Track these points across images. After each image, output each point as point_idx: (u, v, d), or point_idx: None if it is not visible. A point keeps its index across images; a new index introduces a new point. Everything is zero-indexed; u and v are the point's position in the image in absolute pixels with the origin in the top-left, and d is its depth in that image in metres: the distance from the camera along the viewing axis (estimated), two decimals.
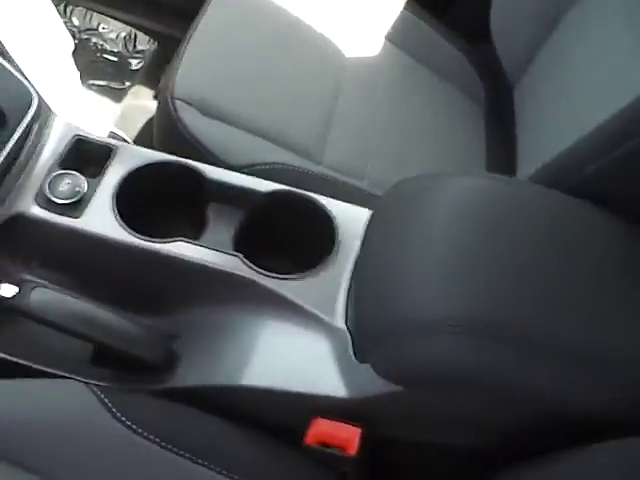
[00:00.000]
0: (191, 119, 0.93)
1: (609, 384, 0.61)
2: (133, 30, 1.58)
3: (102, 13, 1.54)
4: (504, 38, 1.18)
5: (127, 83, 1.56)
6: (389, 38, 1.20)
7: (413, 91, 1.19)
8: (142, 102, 1.46)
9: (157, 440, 0.61)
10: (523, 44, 1.14)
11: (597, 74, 0.92)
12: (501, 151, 1.15)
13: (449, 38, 1.27)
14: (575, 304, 0.62)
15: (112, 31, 1.59)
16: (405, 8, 1.25)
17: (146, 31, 1.55)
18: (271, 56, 1.06)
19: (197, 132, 0.92)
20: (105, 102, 1.50)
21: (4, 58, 0.78)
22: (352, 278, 0.70)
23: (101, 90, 1.52)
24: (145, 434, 0.61)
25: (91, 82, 1.51)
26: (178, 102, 0.94)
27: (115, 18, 1.54)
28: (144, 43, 1.60)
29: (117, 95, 1.53)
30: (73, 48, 1.42)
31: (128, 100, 1.51)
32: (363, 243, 0.71)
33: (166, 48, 1.22)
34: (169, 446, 0.61)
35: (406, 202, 0.70)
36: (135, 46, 1.60)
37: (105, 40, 1.59)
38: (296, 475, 0.67)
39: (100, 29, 1.58)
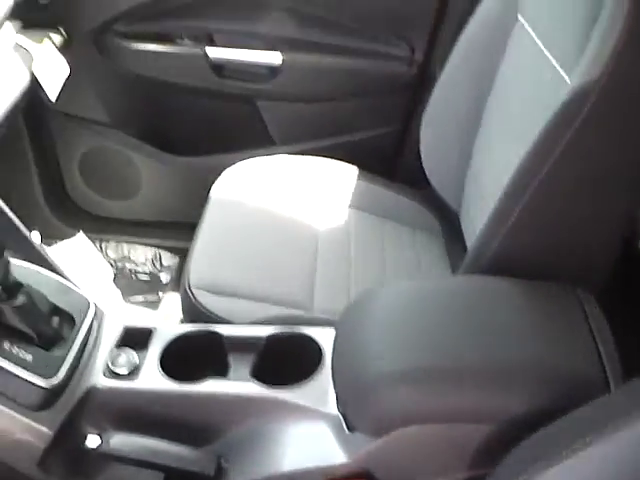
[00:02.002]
0: (205, 300, 1.24)
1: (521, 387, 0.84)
2: (158, 251, 1.93)
3: (130, 242, 1.92)
4: (437, 176, 1.48)
5: (160, 294, 1.89)
6: (352, 205, 1.52)
7: (381, 240, 1.48)
8: (174, 307, 1.78)
9: None
10: (452, 176, 1.42)
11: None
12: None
13: (400, 191, 1.58)
14: (478, 343, 0.88)
15: (141, 255, 1.94)
16: (358, 178, 1.58)
17: (168, 249, 1.92)
18: (260, 239, 1.38)
19: (211, 308, 1.23)
20: (145, 312, 1.82)
21: (66, 279, 1.09)
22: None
23: (140, 304, 1.85)
24: None
25: (131, 299, 1.84)
26: (194, 289, 1.25)
27: (141, 244, 1.91)
28: (168, 259, 1.95)
29: (154, 306, 1.85)
30: (113, 276, 1.78)
31: (163, 307, 1.84)
32: (334, 346, 0.97)
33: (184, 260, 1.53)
34: None
35: (356, 310, 0.97)
36: (162, 263, 1.94)
37: (137, 264, 1.93)
38: None
39: (131, 256, 1.94)
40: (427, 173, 1.48)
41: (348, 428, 0.91)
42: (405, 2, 1.63)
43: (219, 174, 1.53)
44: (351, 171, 1.58)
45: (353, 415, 0.89)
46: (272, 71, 1.70)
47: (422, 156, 1.49)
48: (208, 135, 1.82)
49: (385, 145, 1.79)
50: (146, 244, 1.92)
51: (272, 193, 1.49)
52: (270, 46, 1.68)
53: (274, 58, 1.68)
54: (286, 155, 1.59)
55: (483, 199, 1.23)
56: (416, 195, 1.59)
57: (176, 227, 1.86)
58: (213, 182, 1.51)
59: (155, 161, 1.85)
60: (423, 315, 0.94)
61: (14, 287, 0.95)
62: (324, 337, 1.04)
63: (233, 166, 1.54)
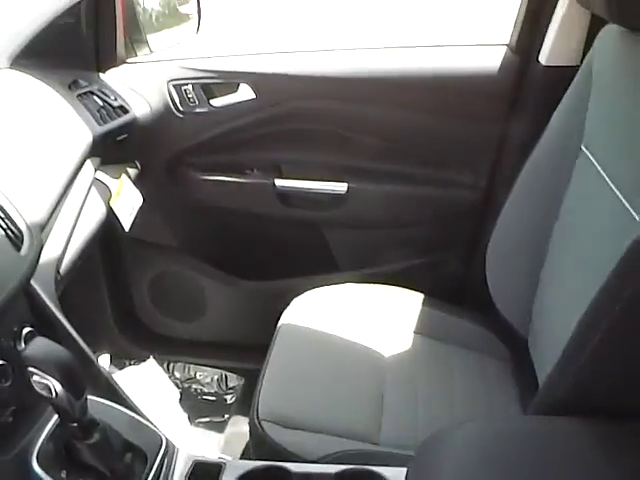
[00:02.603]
0: (274, 432, 1.24)
1: None
2: (223, 372, 1.96)
3: (197, 364, 1.95)
4: (503, 302, 1.47)
5: (226, 416, 1.89)
6: (418, 332, 1.52)
7: (449, 368, 1.47)
8: (240, 428, 1.78)
9: None
10: (519, 302, 1.41)
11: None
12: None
13: (467, 317, 1.58)
14: None
15: (207, 376, 1.97)
16: (424, 304, 1.58)
17: (233, 370, 1.94)
18: (328, 369, 1.39)
19: (280, 441, 1.23)
20: (211, 434, 1.83)
21: (136, 413, 1.11)
22: None
23: (206, 425, 1.86)
24: None
25: (197, 420, 1.85)
26: (263, 422, 1.25)
27: (207, 366, 1.93)
28: (234, 380, 1.97)
29: (219, 427, 1.86)
30: (179, 397, 1.80)
31: (229, 429, 1.84)
32: None
33: (252, 381, 1.50)
34: None
35: (427, 453, 0.96)
36: (227, 384, 1.96)
37: (203, 385, 1.96)
38: None
39: (197, 376, 1.96)
40: (494, 299, 1.48)
41: None
42: (468, 130, 1.68)
43: (284, 298, 1.56)
44: (417, 297, 1.59)
45: None
46: (338, 199, 1.75)
47: (488, 282, 1.49)
48: (274, 260, 1.87)
49: (451, 270, 1.80)
50: (212, 365, 1.95)
51: (339, 322, 1.50)
52: (336, 176, 1.74)
53: (340, 187, 1.73)
54: (352, 284, 1.61)
55: (553, 332, 1.22)
56: (483, 321, 1.58)
57: (242, 349, 1.88)
58: (278, 306, 1.54)
59: (222, 285, 1.90)
60: (496, 461, 0.92)
61: (90, 425, 0.97)
62: (393, 475, 1.03)
63: (302, 295, 1.57)
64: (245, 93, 1.72)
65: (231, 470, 1.08)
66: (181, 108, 1.73)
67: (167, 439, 1.11)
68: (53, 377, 0.89)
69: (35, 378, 0.89)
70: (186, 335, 1.99)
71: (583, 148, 1.29)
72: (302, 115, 1.71)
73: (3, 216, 1.04)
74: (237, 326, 1.95)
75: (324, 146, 1.74)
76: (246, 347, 1.84)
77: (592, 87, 1.27)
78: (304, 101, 1.70)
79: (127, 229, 1.57)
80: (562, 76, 1.40)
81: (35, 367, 0.89)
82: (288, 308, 1.54)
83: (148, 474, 1.02)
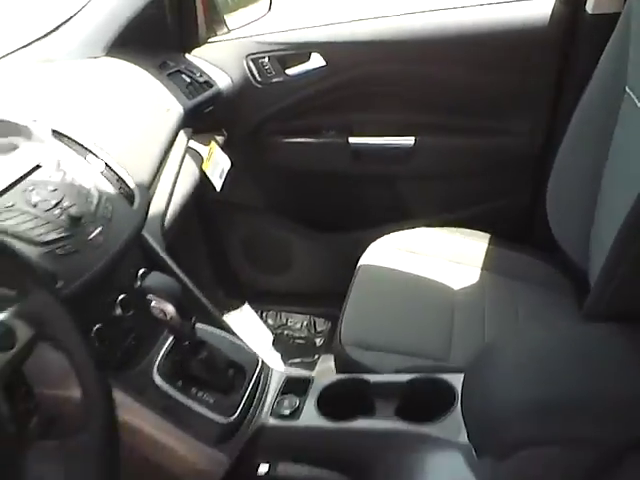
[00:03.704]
0: (355, 353, 1.42)
1: None
2: (312, 317, 2.15)
3: (287, 312, 2.15)
4: (565, 239, 1.55)
5: (315, 356, 2.09)
6: (485, 268, 1.66)
7: (514, 301, 1.60)
8: (328, 365, 1.97)
9: None
10: (579, 238, 1.50)
11: None
12: None
13: (532, 254, 1.71)
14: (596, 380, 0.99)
15: (297, 322, 2.17)
16: (490, 243, 1.72)
17: (321, 315, 2.13)
18: (404, 301, 1.57)
19: (360, 360, 1.41)
20: (302, 372, 2.02)
21: (238, 339, 1.32)
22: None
23: (297, 365, 2.06)
24: None
25: (289, 361, 2.05)
26: (345, 345, 1.44)
27: (297, 312, 2.13)
28: (321, 325, 2.16)
29: (310, 366, 2.06)
30: (272, 341, 2.00)
31: (318, 367, 2.03)
32: (464, 383, 1.12)
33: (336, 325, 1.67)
34: None
35: (485, 352, 1.11)
36: (315, 329, 2.16)
37: (293, 330, 2.16)
38: None
39: (288, 323, 2.16)
40: (555, 236, 1.59)
41: (477, 455, 1.04)
42: (525, 81, 1.80)
43: (361, 247, 1.73)
44: (484, 238, 1.73)
45: (482, 442, 1.02)
46: (406, 153, 1.90)
47: (549, 221, 1.59)
48: (351, 213, 2.04)
49: (515, 213, 1.94)
50: (301, 312, 2.15)
51: (412, 262, 1.67)
52: (403, 131, 1.89)
53: (407, 141, 1.89)
54: (423, 228, 1.77)
55: (604, 254, 1.34)
56: (547, 258, 1.70)
57: (327, 296, 2.05)
58: (356, 253, 1.71)
59: (305, 238, 2.09)
60: (546, 357, 1.06)
61: (199, 344, 1.18)
62: (457, 380, 1.19)
63: (377, 240, 1.74)
64: (317, 61, 1.89)
65: (318, 383, 1.27)
66: (259, 79, 1.92)
67: (263, 359, 1.31)
68: (168, 302, 1.09)
69: (153, 304, 1.10)
70: (277, 287, 2.20)
71: (627, 90, 1.38)
72: (369, 78, 1.86)
73: (117, 178, 1.25)
74: (321, 275, 2.14)
75: (391, 105, 1.89)
76: (331, 294, 2.00)
77: (631, 32, 1.37)
78: (371, 65, 1.85)
79: (218, 189, 1.77)
80: (608, 23, 1.49)
81: (153, 295, 1.10)
82: (365, 253, 1.71)
83: (247, 387, 1.23)
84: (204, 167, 1.73)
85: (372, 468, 1.17)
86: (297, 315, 2.16)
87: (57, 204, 1.10)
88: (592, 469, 0.96)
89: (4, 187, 1.07)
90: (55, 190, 1.12)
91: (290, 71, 1.92)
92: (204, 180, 1.73)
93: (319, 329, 2.15)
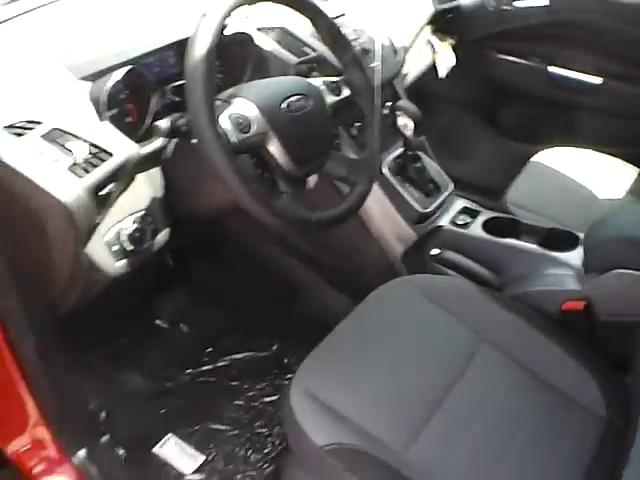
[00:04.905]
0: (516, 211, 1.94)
1: None
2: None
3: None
4: None
5: None
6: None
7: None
8: None
9: None
10: None
11: None
12: None
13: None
14: None
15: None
16: None
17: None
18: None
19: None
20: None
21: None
22: None
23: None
24: None
25: None
26: (509, 205, 1.96)
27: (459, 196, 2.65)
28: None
29: None
30: None
31: None
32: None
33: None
34: None
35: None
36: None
37: None
38: None
39: None
40: None
41: (585, 272, 1.55)
42: None
43: (528, 158, 2.16)
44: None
45: (590, 261, 1.52)
46: (594, 90, 2.34)
47: None
48: (534, 130, 2.51)
49: None
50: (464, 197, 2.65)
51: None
52: (594, 70, 2.33)
53: (595, 80, 2.33)
54: (586, 150, 2.16)
55: None
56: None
57: (490, 188, 2.51)
58: (523, 163, 2.14)
59: (486, 138, 2.59)
60: None
61: (417, 157, 1.76)
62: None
63: (543, 151, 2.16)
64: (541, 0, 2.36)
65: (485, 212, 1.81)
66: (492, 3, 2.41)
67: (452, 189, 1.86)
68: (411, 120, 1.66)
69: (399, 118, 1.67)
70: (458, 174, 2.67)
71: None
72: (578, 21, 2.31)
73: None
74: (491, 169, 2.61)
75: (590, 47, 2.33)
76: (493, 188, 2.47)
77: None
78: (584, 14, 2.30)
79: (441, 76, 2.31)
80: None
81: (402, 111, 1.66)
82: (536, 156, 2.17)
83: (439, 198, 1.80)
84: (435, 57, 2.27)
85: (508, 271, 1.69)
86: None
87: (356, 39, 1.68)
88: None
89: None
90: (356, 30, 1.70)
91: (518, 3, 2.40)
92: (434, 65, 2.27)
93: None
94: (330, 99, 1.37)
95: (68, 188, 1.10)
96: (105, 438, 1.54)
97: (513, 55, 2.47)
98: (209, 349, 1.95)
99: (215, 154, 1.10)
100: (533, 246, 1.67)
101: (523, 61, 2.46)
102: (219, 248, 1.97)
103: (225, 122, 1.16)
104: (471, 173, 2.60)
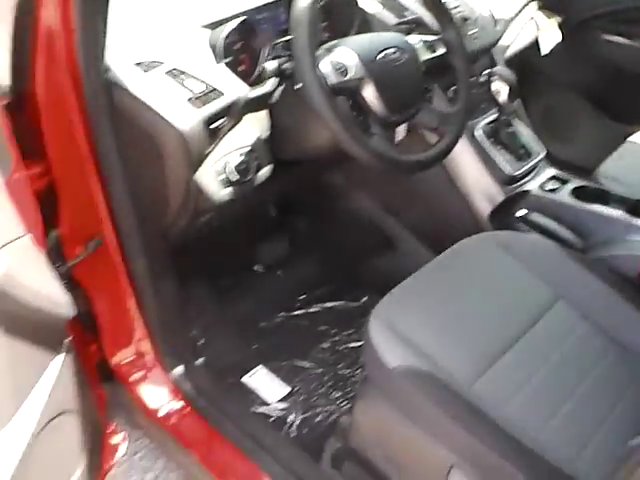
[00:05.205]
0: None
1: None
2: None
3: None
4: None
5: None
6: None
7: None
8: None
9: None
10: None
11: None
12: None
13: None
14: None
15: None
16: None
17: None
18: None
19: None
20: None
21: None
22: None
23: None
24: None
25: None
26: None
27: None
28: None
29: None
30: None
31: None
32: None
33: None
34: None
35: None
36: None
37: None
38: None
39: None
40: None
41: None
42: None
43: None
44: None
45: None
46: None
47: None
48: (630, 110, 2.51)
49: None
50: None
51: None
52: None
53: None
54: None
55: None
56: None
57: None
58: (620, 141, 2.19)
59: (589, 118, 2.61)
60: None
61: (510, 124, 1.82)
62: None
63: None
64: None
65: (574, 180, 1.86)
66: None
67: (544, 156, 1.92)
68: (507, 85, 1.73)
69: (494, 83, 1.74)
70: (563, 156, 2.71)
71: None
72: None
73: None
74: (602, 153, 2.61)
75: None
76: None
77: None
78: None
79: (543, 53, 2.35)
80: None
81: (499, 76, 1.74)
82: (635, 135, 2.19)
83: (530, 163, 1.87)
84: (538, 34, 2.31)
85: (593, 236, 1.73)
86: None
87: (456, 7, 1.76)
88: None
89: None
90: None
91: None
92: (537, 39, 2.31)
93: None
94: (425, 56, 1.47)
95: (184, 118, 1.27)
96: (201, 360, 1.69)
97: (621, 36, 2.47)
98: (303, 296, 2.09)
99: (315, 94, 1.23)
100: (619, 212, 1.71)
101: (631, 42, 2.46)
102: (319, 203, 2.11)
103: (326, 66, 1.28)
104: (569, 152, 2.62)
